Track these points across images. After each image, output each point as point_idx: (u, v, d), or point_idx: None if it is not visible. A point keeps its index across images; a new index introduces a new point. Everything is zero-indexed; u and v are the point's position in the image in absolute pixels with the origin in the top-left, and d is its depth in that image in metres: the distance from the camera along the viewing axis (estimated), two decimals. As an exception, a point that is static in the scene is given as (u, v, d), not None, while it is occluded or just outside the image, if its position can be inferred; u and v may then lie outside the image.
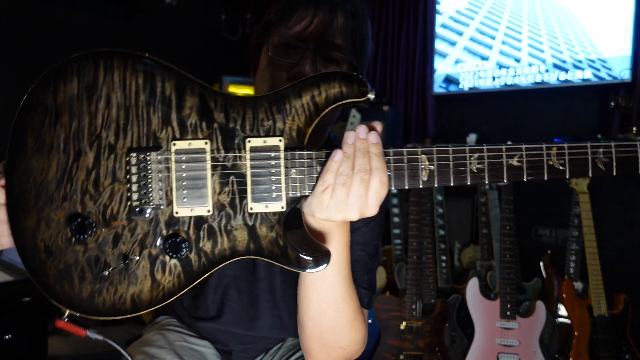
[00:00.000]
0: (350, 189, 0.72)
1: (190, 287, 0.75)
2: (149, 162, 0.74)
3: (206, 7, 5.08)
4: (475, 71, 4.22)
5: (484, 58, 4.20)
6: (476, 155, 0.76)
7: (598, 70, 3.62)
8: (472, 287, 2.30)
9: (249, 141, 0.75)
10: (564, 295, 2.30)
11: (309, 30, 0.97)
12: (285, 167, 0.75)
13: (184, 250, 0.74)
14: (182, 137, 0.75)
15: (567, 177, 0.76)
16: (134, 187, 0.74)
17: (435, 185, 0.76)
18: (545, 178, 0.76)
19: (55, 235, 0.73)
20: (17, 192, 0.73)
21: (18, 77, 3.95)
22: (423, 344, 2.31)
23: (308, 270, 0.76)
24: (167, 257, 0.74)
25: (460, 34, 4.35)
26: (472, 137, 3.94)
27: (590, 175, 0.76)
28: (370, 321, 2.38)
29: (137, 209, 0.74)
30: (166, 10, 4.52)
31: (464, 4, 4.31)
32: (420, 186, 0.76)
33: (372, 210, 0.74)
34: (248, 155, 0.75)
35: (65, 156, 0.74)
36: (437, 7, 4.43)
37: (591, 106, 3.74)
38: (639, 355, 2.20)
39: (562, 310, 2.32)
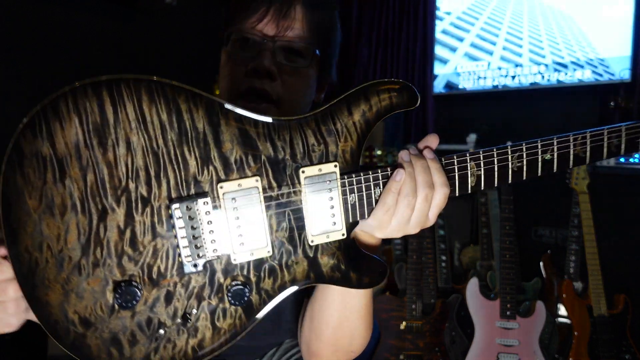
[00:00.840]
0: (414, 208, 0.71)
1: (253, 325, 0.71)
2: (196, 213, 0.65)
3: (206, 7, 5.08)
4: (476, 71, 4.22)
5: (484, 62, 4.20)
6: (516, 154, 0.77)
7: (598, 70, 3.62)
8: (472, 287, 2.30)
9: (303, 172, 0.69)
10: (564, 295, 2.30)
11: (265, 21, 0.91)
12: (344, 195, 0.71)
13: (246, 296, 0.68)
14: (228, 178, 0.66)
15: (587, 162, 0.82)
16: (183, 242, 0.65)
17: (482, 189, 0.77)
18: (570, 166, 0.81)
19: (93, 305, 0.64)
20: (27, 264, 0.61)
21: (18, 78, 3.95)
22: (423, 344, 2.31)
23: (365, 288, 0.75)
24: (228, 304, 0.69)
25: (461, 39, 4.35)
26: (472, 137, 3.94)
27: (604, 157, 0.83)
28: (370, 321, 2.38)
29: (191, 265, 0.66)
30: (166, 10, 4.52)
31: (464, 8, 4.31)
32: (469, 192, 0.77)
33: (431, 222, 0.74)
34: (304, 188, 0.69)
35: (87, 217, 0.62)
36: (437, 12, 4.43)
37: (591, 106, 3.74)
38: (639, 355, 2.20)
39: (562, 310, 2.32)
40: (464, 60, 4.30)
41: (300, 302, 0.98)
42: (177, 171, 0.64)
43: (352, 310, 0.85)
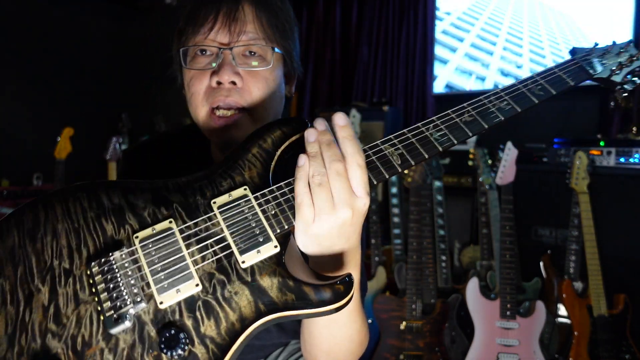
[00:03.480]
0: (329, 187, 0.67)
1: None
2: (113, 264, 0.65)
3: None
4: (476, 71, 4.22)
5: (484, 64, 4.20)
6: (431, 125, 0.79)
7: (598, 70, 3.62)
8: (472, 287, 2.30)
9: (214, 202, 0.71)
10: (564, 295, 2.30)
11: (216, 29, 0.90)
12: (260, 207, 0.71)
13: (183, 342, 0.61)
14: (143, 227, 0.69)
15: (519, 110, 0.86)
16: (103, 297, 0.63)
17: (413, 165, 0.75)
18: (503, 119, 0.83)
19: None
20: None
21: (18, 77, 3.95)
22: (423, 344, 2.31)
23: (338, 304, 0.65)
24: (165, 357, 0.61)
25: (461, 40, 4.35)
26: (472, 137, 3.93)
27: (537, 102, 0.89)
28: (370, 321, 2.38)
29: (114, 318, 0.62)
30: (166, 11, 4.52)
31: (464, 9, 4.31)
32: (400, 170, 0.74)
33: (363, 200, 0.68)
34: (218, 214, 0.70)
35: (14, 306, 0.63)
36: (437, 13, 4.43)
37: (591, 106, 3.74)
38: (639, 355, 2.20)
39: (562, 310, 2.32)
40: (464, 61, 4.30)
41: None
42: (96, 238, 0.68)
43: (341, 339, 0.82)
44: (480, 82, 4.20)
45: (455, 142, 0.78)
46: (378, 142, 0.76)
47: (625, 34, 3.50)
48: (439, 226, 2.75)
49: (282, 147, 0.76)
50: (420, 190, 2.48)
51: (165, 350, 0.60)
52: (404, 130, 0.78)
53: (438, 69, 4.43)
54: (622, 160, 2.69)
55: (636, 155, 2.66)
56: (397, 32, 4.65)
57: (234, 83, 0.90)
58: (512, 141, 2.45)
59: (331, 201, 0.66)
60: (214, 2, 0.90)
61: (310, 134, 0.70)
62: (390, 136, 0.77)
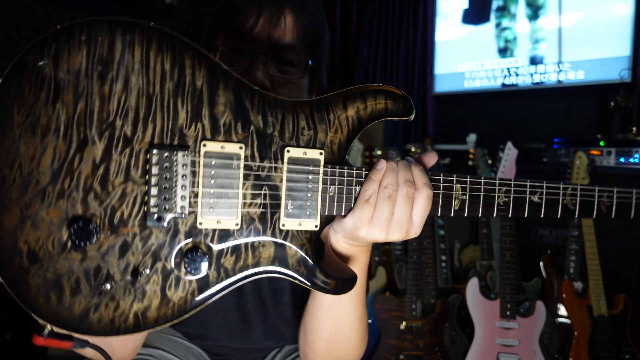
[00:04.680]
0: (395, 203, 0.69)
1: (203, 306, 0.67)
2: (173, 163, 0.64)
3: (206, 7, 5.08)
4: (476, 71, 4.22)
5: (485, 62, 4.20)
6: (504, 189, 0.77)
7: (598, 70, 3.62)
8: (472, 287, 2.30)
9: (288, 151, 0.68)
10: (564, 295, 2.30)
11: (255, 32, 0.88)
12: (324, 184, 0.70)
13: (204, 267, 0.65)
14: (214, 138, 0.66)
15: (576, 216, 0.83)
16: (154, 191, 0.63)
17: (465, 215, 0.76)
18: (559, 216, 0.82)
19: (45, 239, 0.60)
20: None
21: (18, 77, 3.95)
22: (423, 344, 2.31)
23: (331, 294, 0.71)
24: (183, 273, 0.65)
25: (461, 39, 4.34)
26: (472, 137, 3.94)
27: (594, 216, 0.85)
28: (370, 321, 2.38)
29: (155, 216, 0.63)
30: (166, 11, 4.52)
31: (465, 5, 4.31)
32: (452, 215, 0.75)
33: (416, 230, 0.71)
34: (285, 167, 0.68)
35: (66, 143, 0.60)
36: (437, 13, 4.43)
37: (591, 106, 3.74)
38: (639, 355, 2.20)
39: (562, 310, 2.32)
40: (465, 60, 4.30)
41: (301, 308, 0.98)
42: (165, 119, 0.64)
43: (343, 324, 0.84)
44: (480, 81, 4.20)
45: (509, 215, 0.79)
46: (454, 177, 0.76)
47: (625, 34, 3.50)
48: (439, 226, 2.75)
49: (373, 122, 0.72)
50: (420, 190, 2.47)
51: (186, 266, 0.64)
52: (481, 178, 0.77)
53: (438, 68, 4.43)
54: (622, 160, 2.69)
55: (636, 155, 2.66)
56: (397, 32, 4.65)
57: (262, 87, 0.87)
58: (512, 141, 2.45)
59: (390, 218, 0.69)
60: (257, 5, 0.88)
61: (389, 154, 0.72)
62: (467, 178, 0.76)
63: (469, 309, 2.29)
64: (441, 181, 0.74)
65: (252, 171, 0.67)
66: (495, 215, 0.76)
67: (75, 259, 0.61)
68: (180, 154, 0.64)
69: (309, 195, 0.69)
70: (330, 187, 0.70)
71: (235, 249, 0.67)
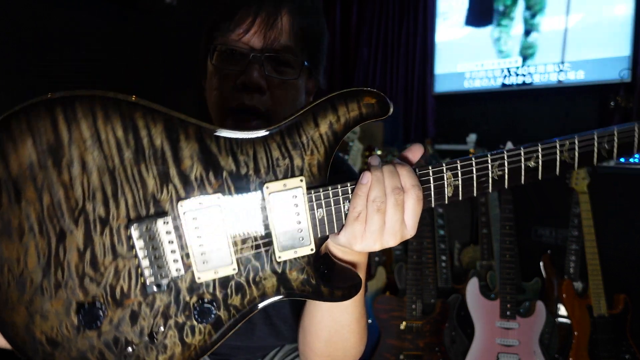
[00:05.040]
0: (385, 214, 0.68)
1: (224, 340, 0.69)
2: (155, 233, 0.63)
3: (206, 7, 5.08)
4: (476, 71, 4.22)
5: (485, 62, 4.20)
6: (497, 163, 0.74)
7: (598, 70, 3.62)
8: (472, 287, 2.30)
9: (267, 187, 0.67)
10: (564, 295, 2.30)
11: (252, 32, 0.88)
12: (311, 210, 0.69)
13: (213, 313, 0.67)
14: (189, 196, 0.64)
15: (575, 168, 0.78)
16: (144, 263, 0.64)
17: (460, 199, 0.74)
18: (557, 174, 0.77)
19: (58, 326, 0.63)
20: None
21: (16, 79, 3.95)
22: (423, 344, 2.31)
23: (338, 302, 0.72)
24: (196, 322, 0.68)
25: (461, 39, 4.34)
26: (472, 137, 3.94)
27: (595, 163, 0.79)
28: (370, 321, 2.38)
29: (153, 286, 0.65)
30: (167, 11, 4.52)
31: (464, 8, 4.31)
32: (446, 202, 0.73)
33: (410, 232, 0.70)
34: (268, 202, 0.67)
35: (45, 239, 0.61)
36: (437, 12, 4.43)
37: (591, 106, 3.74)
38: (639, 355, 2.20)
39: (562, 310, 2.32)
40: (465, 60, 4.30)
41: (299, 307, 0.98)
42: (134, 190, 0.62)
43: (342, 325, 0.84)
44: (480, 81, 4.20)
45: (505, 186, 0.75)
46: (443, 166, 0.73)
47: (625, 34, 3.50)
48: (439, 226, 2.75)
49: (350, 130, 0.69)
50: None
51: (197, 318, 0.67)
52: (471, 158, 0.73)
53: (438, 68, 4.43)
54: (622, 160, 2.69)
55: (636, 155, 2.66)
56: (397, 33, 4.66)
57: (258, 87, 0.88)
58: (512, 141, 2.45)
59: (382, 229, 0.68)
60: (254, 5, 0.88)
61: (373, 159, 0.70)
62: (457, 162, 0.73)
63: (469, 309, 2.29)
64: (431, 173, 0.72)
65: (236, 218, 0.67)
66: (491, 190, 0.74)
67: (92, 336, 0.64)
68: (159, 222, 0.63)
69: (299, 223, 0.68)
70: (318, 211, 0.69)
71: (239, 288, 0.69)
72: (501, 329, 2.24)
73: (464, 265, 3.05)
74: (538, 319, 2.23)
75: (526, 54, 3.98)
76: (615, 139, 0.79)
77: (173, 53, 4.38)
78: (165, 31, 4.64)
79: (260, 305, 0.71)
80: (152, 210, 0.63)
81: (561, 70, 3.80)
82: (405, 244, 2.61)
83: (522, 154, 0.75)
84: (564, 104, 3.80)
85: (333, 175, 0.72)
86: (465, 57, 4.27)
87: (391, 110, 0.69)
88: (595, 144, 0.79)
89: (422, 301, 2.36)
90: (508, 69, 4.04)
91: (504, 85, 4.06)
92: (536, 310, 2.24)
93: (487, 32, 4.16)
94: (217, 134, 0.65)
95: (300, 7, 0.91)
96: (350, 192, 0.69)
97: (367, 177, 0.68)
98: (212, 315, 0.67)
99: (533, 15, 3.96)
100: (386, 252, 2.87)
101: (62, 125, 0.59)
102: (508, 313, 2.23)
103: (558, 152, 0.76)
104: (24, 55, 3.92)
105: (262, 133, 0.67)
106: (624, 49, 3.48)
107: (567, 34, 3.79)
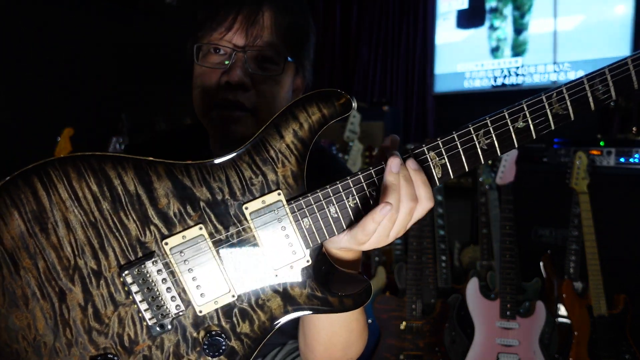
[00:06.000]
0: (395, 222, 0.68)
1: None
2: (147, 274, 0.65)
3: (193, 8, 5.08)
4: (476, 71, 4.22)
5: (485, 62, 4.20)
6: (482, 131, 0.70)
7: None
8: (472, 287, 2.30)
9: (247, 208, 0.67)
10: (564, 295, 2.30)
11: (233, 30, 0.89)
12: (296, 221, 0.68)
13: (224, 344, 0.67)
14: (172, 233, 0.66)
15: (572, 119, 0.71)
16: (143, 306, 0.66)
17: (451, 178, 0.71)
18: (553, 128, 0.71)
19: None
20: (9, 357, 0.64)
21: (18, 77, 3.95)
22: (423, 344, 2.31)
23: (353, 310, 0.70)
24: (209, 357, 0.67)
25: (461, 39, 4.34)
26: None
27: (594, 109, 0.72)
28: (370, 321, 2.38)
29: (157, 327, 0.66)
30: (166, 11, 4.52)
31: (463, 6, 4.31)
32: (437, 184, 0.71)
33: (404, 231, 0.71)
34: (252, 223, 0.67)
35: (48, 301, 0.64)
36: (437, 13, 4.43)
37: (591, 106, 3.74)
38: (639, 355, 2.20)
39: (562, 310, 2.32)
40: (465, 60, 4.30)
41: None
42: (119, 238, 0.65)
43: (340, 326, 0.84)
44: (480, 81, 4.20)
45: (499, 154, 0.71)
46: (424, 147, 0.70)
47: (625, 34, 3.50)
48: (439, 226, 2.75)
49: (319, 134, 0.68)
50: (420, 190, 2.47)
51: (208, 351, 0.66)
52: (452, 133, 0.70)
53: (438, 68, 4.43)
54: (622, 160, 2.69)
55: (636, 155, 2.66)
56: (397, 32, 4.66)
57: (242, 85, 0.89)
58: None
59: (389, 234, 0.69)
60: (236, 3, 0.90)
61: (394, 165, 0.66)
62: (438, 140, 0.71)
63: (469, 309, 2.29)
64: (413, 157, 0.71)
65: (223, 244, 0.67)
66: (483, 162, 0.71)
67: None
68: (148, 263, 0.65)
69: (287, 235, 0.68)
70: (304, 220, 0.68)
71: (244, 315, 0.68)
72: (501, 329, 2.24)
73: (464, 265, 3.05)
74: (538, 319, 2.23)
75: (518, 51, 3.99)
76: (609, 77, 0.71)
77: (173, 53, 4.39)
78: (165, 31, 4.64)
79: (273, 328, 0.69)
80: (140, 254, 0.65)
81: (561, 70, 3.80)
82: (405, 244, 2.61)
83: (507, 116, 0.70)
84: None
85: (334, 175, 0.71)
86: (465, 57, 4.28)
87: (354, 105, 0.68)
88: (587, 88, 0.71)
89: (422, 301, 2.36)
90: (508, 69, 4.04)
91: (503, 85, 4.07)
92: (536, 310, 2.24)
93: (487, 33, 4.17)
94: (187, 166, 0.66)
95: (283, 4, 0.92)
96: (331, 194, 0.68)
97: (386, 210, 0.65)
98: (223, 347, 0.66)
99: (523, 16, 3.96)
100: (386, 252, 2.87)
101: (41, 192, 0.63)
102: (508, 313, 2.23)
103: (547, 105, 0.70)
104: (24, 55, 3.91)
105: (230, 156, 0.67)
106: (624, 49, 3.48)
107: (567, 34, 3.80)
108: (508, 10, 4.06)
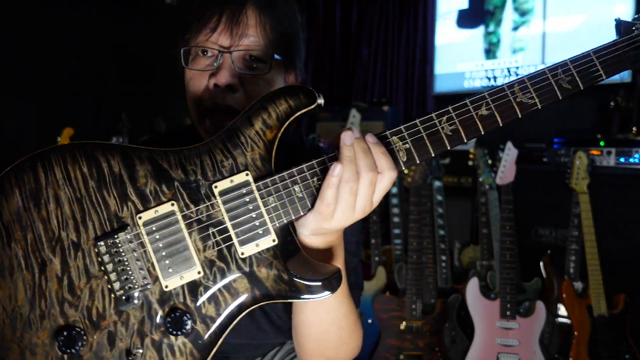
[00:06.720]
0: (357, 193, 0.69)
1: (210, 357, 0.70)
2: (119, 245, 0.69)
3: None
4: (476, 71, 4.23)
5: (485, 62, 4.20)
6: (445, 118, 0.75)
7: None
8: (472, 287, 2.30)
9: (216, 186, 0.71)
10: (564, 295, 2.30)
11: (219, 31, 0.89)
12: (262, 199, 0.71)
13: (188, 324, 0.68)
14: (146, 208, 0.70)
15: (540, 107, 0.75)
16: (113, 277, 0.68)
17: (417, 162, 0.74)
18: (520, 116, 0.75)
19: (45, 359, 0.67)
20: None
21: (18, 77, 3.95)
22: (423, 344, 2.31)
23: (324, 296, 0.70)
24: (173, 337, 0.68)
25: (461, 39, 4.34)
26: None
27: (561, 97, 0.75)
28: (370, 321, 2.38)
29: (124, 298, 0.68)
30: (166, 11, 4.52)
31: (464, 8, 4.31)
32: (403, 168, 0.73)
33: (374, 206, 0.71)
34: (220, 200, 0.71)
35: (30, 272, 0.67)
36: (437, 13, 4.43)
37: (591, 106, 3.74)
38: (639, 355, 2.20)
39: (562, 310, 2.32)
40: (465, 60, 4.30)
41: (291, 305, 0.98)
42: (99, 213, 0.70)
43: (329, 324, 0.83)
44: (480, 81, 4.20)
45: (465, 140, 0.74)
46: (387, 132, 0.74)
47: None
48: (439, 226, 2.75)
49: (287, 124, 0.73)
50: (420, 190, 2.48)
51: (171, 330, 0.68)
52: (416, 119, 0.74)
53: (438, 68, 4.43)
54: (622, 160, 2.69)
55: (636, 155, 2.66)
56: (397, 32, 4.66)
57: (230, 86, 0.89)
58: (512, 141, 2.45)
59: (354, 207, 0.70)
60: (219, 4, 0.90)
61: (347, 137, 0.69)
62: (401, 126, 0.74)
63: (469, 309, 2.29)
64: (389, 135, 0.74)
65: (192, 219, 0.71)
66: (450, 147, 0.73)
67: None
68: (121, 234, 0.69)
69: (254, 215, 0.71)
70: (269, 199, 0.71)
71: (211, 296, 0.70)
72: (501, 329, 2.24)
73: (464, 265, 3.06)
74: (538, 319, 2.23)
75: (515, 47, 4.00)
76: (571, 68, 0.76)
77: (173, 53, 4.38)
78: (166, 31, 4.64)
79: (240, 316, 0.70)
80: (115, 226, 0.70)
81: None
82: (405, 244, 2.61)
83: (469, 103, 0.74)
84: (564, 103, 3.80)
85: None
86: (465, 57, 4.28)
87: (319, 100, 0.73)
88: (550, 77, 0.75)
89: (422, 301, 2.36)
90: (508, 69, 4.04)
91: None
92: (536, 310, 2.24)
93: (482, 34, 4.17)
94: (167, 152, 0.72)
95: (268, 2, 0.92)
96: (296, 174, 0.72)
97: (338, 170, 0.67)
98: (187, 327, 0.68)
99: (523, 14, 3.96)
100: (386, 252, 2.87)
101: (40, 173, 0.69)
102: (508, 313, 2.23)
103: (510, 94, 0.74)
104: (24, 55, 3.91)
105: (205, 142, 0.73)
106: (624, 49, 3.49)
107: (568, 34, 3.80)
108: (508, 12, 4.06)
